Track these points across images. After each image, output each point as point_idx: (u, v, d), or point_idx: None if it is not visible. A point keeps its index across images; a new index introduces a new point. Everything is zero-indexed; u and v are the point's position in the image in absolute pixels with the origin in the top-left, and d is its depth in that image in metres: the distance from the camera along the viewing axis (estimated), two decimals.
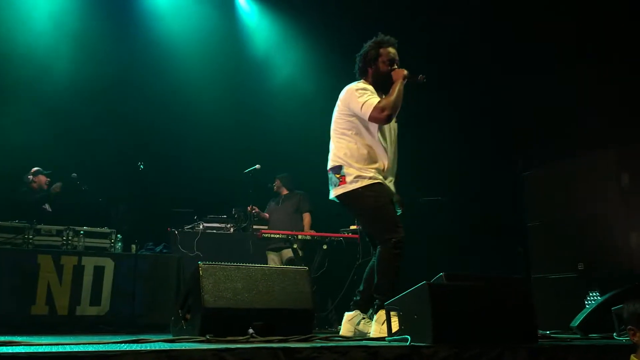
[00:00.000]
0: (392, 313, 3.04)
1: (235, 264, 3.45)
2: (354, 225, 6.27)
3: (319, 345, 2.54)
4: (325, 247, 6.25)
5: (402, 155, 4.00)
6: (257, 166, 6.53)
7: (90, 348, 2.49)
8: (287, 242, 6.19)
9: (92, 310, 5.50)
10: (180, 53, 7.87)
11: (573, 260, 5.73)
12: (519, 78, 7.13)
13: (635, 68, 5.96)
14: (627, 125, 5.82)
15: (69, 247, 5.72)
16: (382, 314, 3.39)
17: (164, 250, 6.33)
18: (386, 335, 3.10)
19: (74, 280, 5.47)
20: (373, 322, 3.57)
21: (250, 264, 3.50)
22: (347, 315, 3.76)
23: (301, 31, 8.28)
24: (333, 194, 3.73)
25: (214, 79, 7.97)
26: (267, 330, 3.16)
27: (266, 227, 6.47)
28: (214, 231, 6.46)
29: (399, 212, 3.88)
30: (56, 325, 5.20)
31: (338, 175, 3.65)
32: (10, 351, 2.23)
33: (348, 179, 3.62)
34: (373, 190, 3.61)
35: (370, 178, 3.60)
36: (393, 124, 3.78)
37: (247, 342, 2.93)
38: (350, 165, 3.63)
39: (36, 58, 7.24)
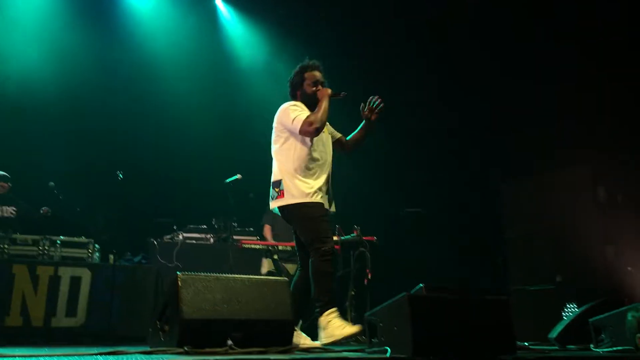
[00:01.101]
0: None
1: (214, 274, 3.42)
2: (335, 236, 6.27)
3: (298, 357, 2.53)
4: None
5: (384, 166, 4.05)
6: (238, 176, 6.47)
7: (73, 359, 2.45)
8: (267, 253, 6.16)
9: (68, 322, 5.41)
10: (161, 62, 7.83)
11: (551, 272, 5.80)
12: (499, 88, 7.22)
13: (613, 77, 6.05)
14: (603, 136, 5.91)
15: (45, 257, 5.63)
16: (323, 319, 3.70)
17: (143, 261, 6.26)
18: (337, 337, 3.36)
19: (50, 290, 5.38)
20: (320, 328, 3.78)
21: (229, 275, 3.47)
22: None
23: (283, 41, 8.29)
24: (272, 205, 3.99)
25: (195, 88, 7.94)
26: (246, 342, 3.13)
27: (248, 238, 6.41)
28: (194, 242, 6.40)
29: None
30: (31, 336, 5.10)
31: (277, 189, 3.91)
32: None
33: (286, 193, 3.87)
34: (307, 204, 3.83)
35: (305, 193, 3.84)
36: (326, 139, 4.03)
37: (225, 353, 2.90)
38: (288, 180, 3.87)
39: (14, 65, 7.15)
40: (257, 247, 6.18)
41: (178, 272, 3.30)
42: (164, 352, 2.97)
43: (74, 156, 7.13)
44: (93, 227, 6.06)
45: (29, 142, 7.08)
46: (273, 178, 3.97)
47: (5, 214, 6.28)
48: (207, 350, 2.95)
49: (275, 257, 6.18)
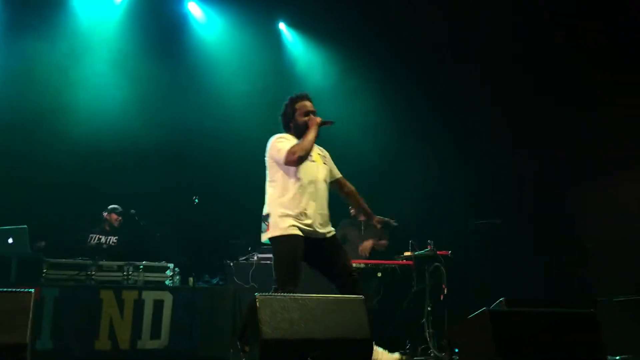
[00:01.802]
0: None
1: (290, 294, 3.47)
2: (407, 251, 6.21)
3: None
4: (379, 274, 6.20)
5: (455, 179, 3.98)
6: None
7: None
8: None
9: (153, 344, 5.59)
10: (232, 87, 8.04)
11: (637, 282, 5.52)
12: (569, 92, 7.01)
13: None
14: None
15: (129, 282, 5.86)
16: None
17: (220, 282, 6.40)
18: None
19: (135, 314, 5.58)
20: None
21: (305, 294, 3.51)
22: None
23: (347, 60, 8.38)
24: (262, 238, 4.06)
25: (264, 111, 8.08)
26: None
27: None
28: (268, 262, 6.49)
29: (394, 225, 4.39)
30: (119, 359, 5.31)
31: (266, 223, 3.98)
32: None
33: (271, 226, 3.93)
34: (287, 241, 3.86)
35: (287, 227, 3.86)
36: (318, 169, 4.05)
37: None
38: (274, 214, 3.93)
39: (89, 94, 7.51)
40: None
41: (256, 294, 3.36)
42: None
43: (151, 181, 7.41)
44: (172, 251, 6.27)
45: (109, 170, 7.39)
46: (263, 211, 4.04)
47: (111, 244, 6.62)
48: None
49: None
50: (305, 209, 3.90)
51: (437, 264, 5.97)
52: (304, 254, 3.88)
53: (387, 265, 6.23)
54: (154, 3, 8.00)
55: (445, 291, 5.85)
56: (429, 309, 5.86)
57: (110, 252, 6.41)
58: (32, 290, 2.98)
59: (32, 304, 2.90)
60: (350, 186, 4.32)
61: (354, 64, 8.27)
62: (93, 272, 5.76)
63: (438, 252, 6.03)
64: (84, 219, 6.81)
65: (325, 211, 4.03)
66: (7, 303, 2.84)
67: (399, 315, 6.20)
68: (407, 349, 5.89)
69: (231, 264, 6.34)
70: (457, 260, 6.11)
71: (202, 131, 7.74)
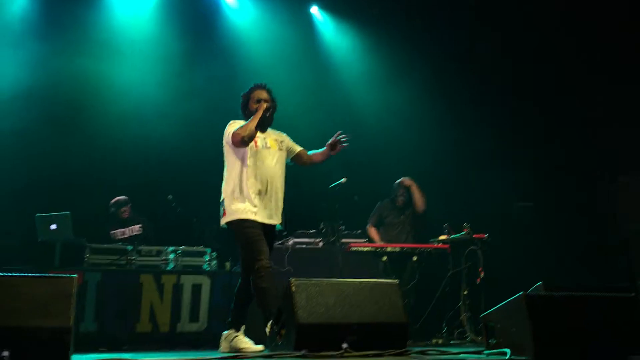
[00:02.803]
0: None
1: (326, 279, 3.49)
2: (443, 235, 6.17)
3: None
4: (415, 258, 6.18)
5: (492, 160, 3.90)
6: (344, 180, 6.54)
7: None
8: (375, 255, 6.17)
9: (192, 327, 5.72)
10: (264, 70, 8.03)
11: None
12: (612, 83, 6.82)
13: None
14: None
15: (168, 266, 5.98)
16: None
17: None
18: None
19: (174, 298, 5.71)
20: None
21: (341, 279, 3.52)
22: (223, 334, 4.27)
23: (380, 42, 8.29)
24: (221, 223, 4.30)
25: (297, 95, 8.08)
26: (361, 345, 3.16)
27: (355, 241, 6.45)
28: (304, 246, 6.54)
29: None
30: (159, 341, 5.44)
31: (222, 208, 4.24)
32: None
33: (227, 211, 4.19)
34: (243, 224, 4.11)
35: (241, 211, 4.12)
36: (270, 155, 4.27)
37: (341, 357, 2.95)
38: (228, 199, 4.19)
39: (125, 86, 7.61)
40: (366, 249, 6.20)
41: (291, 278, 3.40)
42: (282, 356, 3.06)
43: (186, 168, 7.50)
44: (209, 236, 6.35)
45: (147, 157, 7.51)
46: (221, 197, 4.28)
47: (135, 233, 6.74)
48: (324, 354, 3.01)
49: (384, 258, 6.18)
50: (256, 196, 4.13)
51: (473, 247, 5.92)
52: (263, 233, 4.13)
53: (422, 249, 6.20)
54: None
55: (482, 275, 5.81)
56: (465, 293, 5.83)
57: (141, 238, 6.52)
58: (75, 275, 3.07)
59: (75, 288, 2.99)
60: (310, 156, 4.61)
61: (390, 48, 8.16)
62: (133, 257, 5.89)
63: (474, 236, 5.98)
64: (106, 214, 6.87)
65: (276, 202, 4.26)
66: (51, 287, 2.93)
67: (434, 299, 6.18)
68: (443, 332, 5.88)
69: None
70: (494, 243, 6.05)
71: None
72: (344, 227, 6.57)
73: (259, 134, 4.25)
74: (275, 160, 4.30)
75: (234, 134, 4.10)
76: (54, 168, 7.09)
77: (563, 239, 7.01)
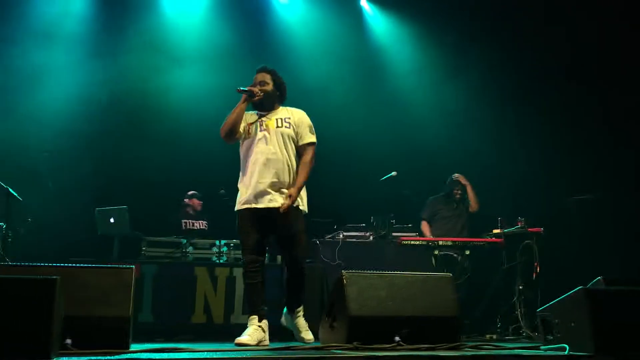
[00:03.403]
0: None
1: (377, 272, 3.48)
2: (496, 229, 6.05)
3: (469, 354, 2.48)
4: (468, 252, 6.09)
5: (546, 153, 3.78)
6: (394, 173, 6.51)
7: (247, 354, 2.64)
8: (427, 249, 6.11)
9: (245, 319, 5.76)
10: (313, 64, 8.05)
11: None
12: None
13: None
14: None
15: (221, 259, 6.09)
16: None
17: (307, 260, 6.50)
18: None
19: (228, 290, 5.80)
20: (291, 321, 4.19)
21: (392, 272, 3.51)
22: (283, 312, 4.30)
23: (430, 36, 8.18)
24: None
25: (347, 89, 8.06)
26: (413, 338, 3.14)
27: (406, 235, 6.41)
28: (354, 240, 6.53)
29: None
30: (213, 332, 5.54)
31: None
32: (176, 357, 2.43)
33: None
34: (239, 215, 4.06)
35: (237, 202, 4.08)
36: (274, 133, 4.01)
37: (394, 349, 2.94)
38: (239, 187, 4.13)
39: (178, 85, 7.76)
40: (417, 242, 6.15)
41: (343, 271, 3.40)
42: (335, 348, 3.08)
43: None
44: None
45: (202, 155, 7.64)
46: None
47: (202, 227, 6.91)
48: (376, 346, 3.01)
49: (436, 252, 6.11)
50: (250, 181, 3.99)
51: (528, 241, 5.79)
52: (258, 225, 3.97)
53: (475, 243, 6.09)
54: None
55: (538, 269, 5.67)
56: (520, 287, 5.70)
57: (202, 234, 6.66)
58: (133, 266, 3.17)
59: (133, 279, 3.09)
60: (305, 160, 4.14)
61: (443, 44, 8.01)
62: (188, 250, 6.02)
63: (529, 229, 5.84)
64: (174, 205, 7.08)
65: (271, 182, 3.96)
66: (111, 278, 3.04)
67: (488, 294, 6.08)
68: (498, 328, 5.78)
69: (318, 242, 6.43)
70: (550, 237, 5.89)
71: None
72: (394, 220, 6.54)
73: (255, 117, 4.09)
74: (272, 139, 4.00)
75: (221, 132, 4.03)
76: (115, 165, 7.33)
77: (621, 232, 6.77)
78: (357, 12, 8.60)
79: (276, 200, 3.92)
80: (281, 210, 3.84)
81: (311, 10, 8.32)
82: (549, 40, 7.53)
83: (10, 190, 5.69)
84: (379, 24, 8.61)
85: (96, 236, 6.19)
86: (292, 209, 3.90)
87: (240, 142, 4.09)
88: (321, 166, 7.74)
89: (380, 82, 8.25)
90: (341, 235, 6.49)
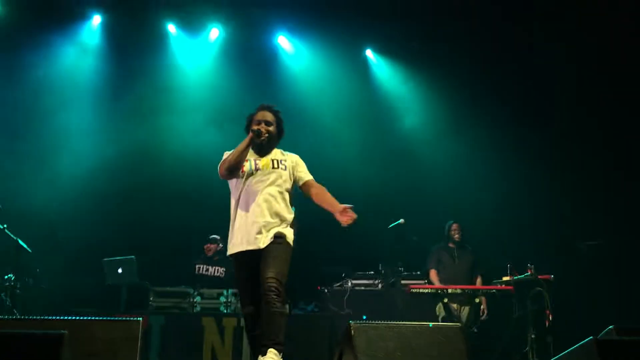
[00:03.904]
0: None
1: (386, 322, 3.45)
2: (506, 276, 6.00)
3: None
4: (477, 300, 6.02)
5: (556, 198, 3.77)
6: (402, 220, 6.51)
7: None
8: (436, 297, 6.05)
9: None
10: (321, 113, 8.14)
11: None
12: None
13: None
14: None
15: (229, 309, 6.05)
16: None
17: (315, 310, 6.45)
18: None
19: (235, 341, 5.74)
20: None
21: (401, 322, 3.48)
22: None
23: (433, 83, 8.30)
24: None
25: (353, 137, 8.14)
26: None
27: (416, 282, 6.36)
28: (363, 288, 6.49)
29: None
30: None
31: None
32: None
33: None
34: (233, 260, 3.84)
35: (230, 247, 3.82)
36: (270, 174, 3.82)
37: None
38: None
39: (186, 134, 7.86)
40: (426, 291, 6.09)
41: (350, 321, 3.38)
42: None
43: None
44: None
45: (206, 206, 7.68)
46: None
47: (216, 274, 6.86)
48: None
49: (446, 300, 6.05)
50: (243, 222, 3.73)
51: (539, 288, 5.73)
52: (250, 271, 3.66)
53: (485, 291, 6.03)
54: (245, 39, 8.25)
55: (550, 317, 5.59)
56: (532, 336, 5.61)
57: (214, 282, 6.61)
58: (140, 318, 3.16)
59: (140, 331, 3.08)
60: (318, 187, 3.96)
61: (449, 96, 8.07)
62: (195, 300, 6.00)
63: (539, 276, 5.79)
64: (190, 250, 7.08)
65: (262, 219, 3.69)
66: (119, 331, 3.04)
67: (500, 343, 5.98)
68: None
69: (326, 290, 6.39)
70: (561, 284, 5.83)
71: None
72: (402, 268, 6.50)
73: (253, 157, 3.86)
74: (265, 180, 3.79)
75: (219, 167, 3.81)
76: (121, 216, 7.38)
77: (635, 278, 6.68)
78: (362, 62, 8.74)
79: (265, 237, 3.69)
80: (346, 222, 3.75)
81: (316, 60, 8.47)
82: (552, 88, 7.64)
83: (20, 242, 5.74)
84: (384, 73, 8.74)
85: (104, 286, 6.20)
86: (276, 243, 3.69)
87: (230, 183, 3.90)
88: (329, 215, 7.82)
89: (387, 132, 8.31)
90: (349, 284, 6.45)
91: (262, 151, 3.90)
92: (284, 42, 8.53)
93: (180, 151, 7.74)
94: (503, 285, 5.98)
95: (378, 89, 8.65)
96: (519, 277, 5.90)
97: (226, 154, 3.83)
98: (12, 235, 5.74)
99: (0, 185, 6.71)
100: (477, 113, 7.86)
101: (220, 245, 6.86)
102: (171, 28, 8.16)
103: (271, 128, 3.89)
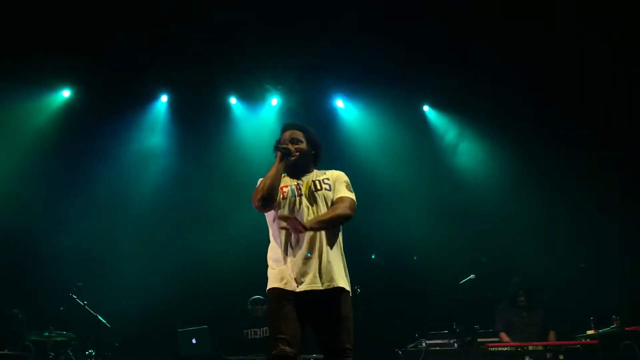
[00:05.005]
0: None
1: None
2: (590, 330, 5.68)
3: None
4: (562, 357, 5.70)
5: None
6: (472, 276, 6.34)
7: None
8: (516, 356, 5.77)
9: None
10: (382, 176, 8.15)
11: None
12: None
13: None
14: None
15: None
16: None
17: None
18: None
19: None
20: None
21: None
22: None
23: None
24: None
25: (417, 191, 8.07)
26: None
27: (492, 340, 6.11)
28: (438, 348, 6.28)
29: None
30: None
31: None
32: None
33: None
34: (270, 295, 3.22)
35: (270, 279, 3.25)
36: (316, 195, 3.30)
37: None
38: (269, 268, 3.32)
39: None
40: (505, 349, 5.83)
41: None
42: None
43: None
44: None
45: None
46: None
47: (265, 335, 6.80)
48: None
49: (527, 358, 5.76)
50: (286, 256, 3.22)
51: (627, 342, 5.38)
52: (296, 312, 3.13)
53: (569, 346, 5.72)
54: (306, 103, 8.42)
55: None
56: None
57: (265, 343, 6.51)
58: None
59: None
60: (338, 200, 3.33)
61: (512, 149, 8.01)
62: None
63: (627, 328, 5.45)
64: (238, 316, 6.95)
65: (320, 260, 3.19)
66: None
67: None
68: None
69: (400, 351, 6.23)
70: None
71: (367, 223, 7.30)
72: (478, 326, 6.27)
73: (290, 182, 3.37)
74: (313, 205, 3.29)
75: (252, 198, 3.27)
76: (193, 286, 7.52)
77: None
78: (420, 117, 8.75)
79: (332, 280, 3.18)
80: (308, 227, 3.11)
81: (376, 120, 8.55)
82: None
83: (100, 317, 5.94)
84: (441, 127, 8.71)
85: (178, 357, 6.28)
86: (338, 292, 3.19)
87: (269, 213, 3.35)
88: (398, 276, 7.69)
89: (452, 187, 8.19)
90: (424, 344, 6.26)
91: (299, 173, 3.40)
92: (341, 104, 8.71)
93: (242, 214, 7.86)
94: (587, 340, 5.65)
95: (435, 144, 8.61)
96: (604, 330, 5.58)
97: (260, 181, 3.32)
98: (92, 312, 5.96)
99: (80, 264, 7.02)
100: (542, 165, 7.72)
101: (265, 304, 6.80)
102: (232, 100, 8.51)
103: (302, 145, 3.40)
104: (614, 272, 7.03)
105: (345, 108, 8.77)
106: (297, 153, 3.35)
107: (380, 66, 7.83)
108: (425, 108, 8.76)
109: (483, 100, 7.94)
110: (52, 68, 7.34)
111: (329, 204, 3.30)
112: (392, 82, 8.00)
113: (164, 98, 8.35)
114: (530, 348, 5.76)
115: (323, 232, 3.22)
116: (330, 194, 3.34)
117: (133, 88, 7.94)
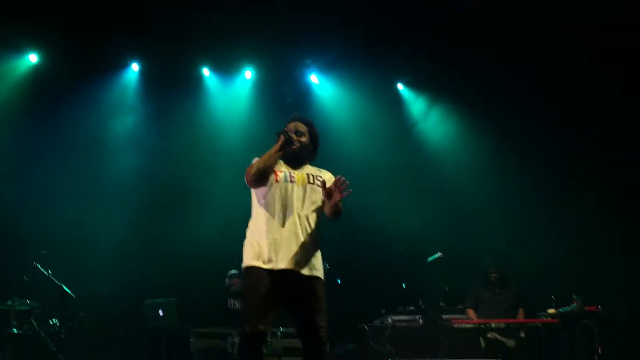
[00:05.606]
0: None
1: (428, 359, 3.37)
2: (551, 309, 5.82)
3: None
4: (522, 334, 5.85)
5: (601, 225, 3.64)
6: (439, 254, 6.41)
7: None
8: (479, 332, 5.90)
9: None
10: (354, 154, 8.16)
11: None
12: None
13: None
14: None
15: (269, 348, 6.00)
16: None
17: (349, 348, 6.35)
18: None
19: None
20: None
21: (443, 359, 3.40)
22: None
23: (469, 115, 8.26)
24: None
25: (388, 170, 8.09)
26: None
27: (457, 317, 6.22)
28: (404, 324, 6.36)
29: None
30: None
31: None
32: None
33: (243, 255, 3.45)
34: (249, 273, 3.35)
35: (251, 257, 3.37)
36: (304, 190, 3.46)
37: None
38: (245, 242, 3.47)
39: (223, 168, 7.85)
40: (469, 326, 5.95)
41: (390, 359, 3.32)
42: None
43: None
44: None
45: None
46: None
47: (236, 307, 6.83)
48: None
49: (490, 335, 5.90)
50: (271, 237, 3.35)
51: (586, 321, 5.54)
52: (273, 290, 3.27)
53: (530, 325, 5.86)
54: (279, 76, 8.39)
55: (600, 351, 5.40)
56: None
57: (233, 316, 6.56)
58: None
59: None
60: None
61: (485, 131, 8.06)
62: (235, 340, 5.97)
63: (586, 308, 5.61)
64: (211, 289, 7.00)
65: (304, 245, 3.35)
66: None
67: None
68: None
69: (366, 327, 6.30)
70: (609, 315, 5.64)
71: None
72: (443, 303, 6.37)
73: (285, 169, 3.53)
74: (301, 195, 3.45)
75: (246, 172, 3.45)
76: (162, 255, 7.47)
77: None
78: (394, 92, 8.75)
79: (310, 267, 3.36)
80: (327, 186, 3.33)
81: (348, 96, 8.52)
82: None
83: (64, 287, 5.86)
84: (417, 107, 8.73)
85: (145, 329, 6.25)
86: (317, 279, 3.38)
87: (258, 191, 3.50)
88: (367, 252, 7.73)
89: (422, 167, 8.24)
90: (390, 320, 6.33)
91: (295, 163, 3.58)
92: (314, 79, 8.65)
93: (211, 188, 7.81)
94: (548, 319, 5.80)
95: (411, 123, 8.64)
96: (565, 309, 5.73)
97: (255, 160, 3.50)
98: (56, 281, 5.87)
99: (45, 234, 6.89)
100: (518, 145, 7.82)
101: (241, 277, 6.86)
102: (205, 71, 8.39)
103: (303, 139, 3.60)
104: (582, 253, 7.18)
105: (319, 84, 8.71)
106: (298, 144, 3.54)
107: (356, 42, 7.79)
108: (400, 86, 8.76)
109: (460, 80, 7.96)
110: (20, 31, 7.13)
111: (319, 198, 3.47)
112: (368, 59, 7.97)
113: (135, 66, 8.17)
114: (493, 325, 5.90)
115: (311, 218, 3.42)
116: (319, 191, 3.46)
117: (104, 54, 7.74)
